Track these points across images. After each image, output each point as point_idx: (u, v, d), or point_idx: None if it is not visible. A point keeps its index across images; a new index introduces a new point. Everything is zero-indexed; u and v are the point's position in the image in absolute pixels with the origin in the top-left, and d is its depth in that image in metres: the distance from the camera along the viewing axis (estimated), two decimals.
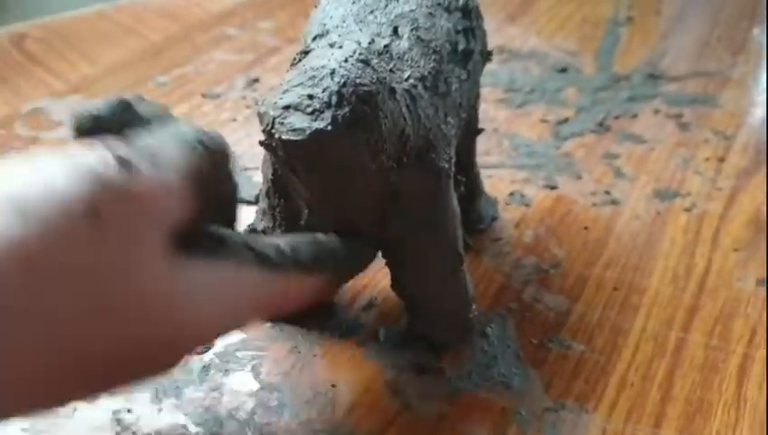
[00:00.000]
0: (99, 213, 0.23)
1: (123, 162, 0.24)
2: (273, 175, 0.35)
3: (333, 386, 0.37)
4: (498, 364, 0.38)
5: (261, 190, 0.38)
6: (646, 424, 0.35)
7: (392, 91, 0.30)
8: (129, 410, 0.35)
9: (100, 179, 0.23)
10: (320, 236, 0.33)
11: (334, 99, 0.28)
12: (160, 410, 0.35)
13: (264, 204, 0.38)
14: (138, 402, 0.35)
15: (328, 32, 0.36)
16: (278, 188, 0.36)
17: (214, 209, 0.29)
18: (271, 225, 0.37)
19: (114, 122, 0.27)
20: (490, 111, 0.60)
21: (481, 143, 0.55)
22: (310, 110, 0.29)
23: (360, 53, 0.30)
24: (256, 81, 0.63)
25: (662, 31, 0.76)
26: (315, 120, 0.29)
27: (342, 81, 0.29)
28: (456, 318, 0.38)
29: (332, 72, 0.29)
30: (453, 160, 0.36)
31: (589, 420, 0.35)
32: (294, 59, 0.34)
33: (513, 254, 0.46)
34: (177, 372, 0.36)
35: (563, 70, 0.67)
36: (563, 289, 0.43)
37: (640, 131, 0.58)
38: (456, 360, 0.38)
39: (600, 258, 0.45)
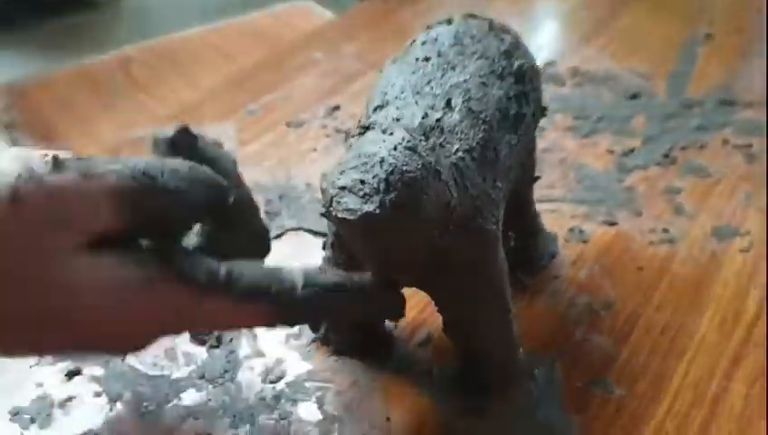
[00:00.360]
0: (19, 196, 0.29)
1: (57, 163, 0.30)
2: (336, 231, 0.39)
3: (388, 420, 0.41)
4: (542, 408, 0.41)
5: (326, 241, 0.42)
6: None
7: (437, 172, 0.34)
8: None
9: (29, 169, 0.29)
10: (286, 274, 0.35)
11: (383, 185, 0.32)
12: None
13: (328, 253, 0.42)
14: (217, 428, 0.40)
15: (388, 102, 0.39)
16: (340, 242, 0.40)
17: (150, 229, 0.33)
18: None
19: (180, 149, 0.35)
20: (559, 141, 0.63)
21: (547, 175, 0.57)
22: (361, 193, 0.33)
23: (408, 141, 0.33)
24: (337, 108, 0.68)
25: (742, 50, 0.76)
26: (366, 202, 0.32)
27: (390, 169, 0.32)
28: (502, 364, 0.41)
29: (382, 161, 0.32)
30: (500, 220, 0.39)
31: None
32: (354, 132, 0.37)
33: (568, 292, 0.48)
34: (252, 400, 0.41)
35: (635, 96, 0.68)
36: (613, 331, 0.45)
37: (706, 163, 0.59)
38: (502, 401, 0.41)
39: (652, 300, 0.47)
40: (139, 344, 0.34)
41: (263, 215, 0.55)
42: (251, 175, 0.59)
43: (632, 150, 0.61)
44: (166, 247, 0.34)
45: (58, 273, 0.30)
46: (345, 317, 0.39)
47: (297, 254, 0.52)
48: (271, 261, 0.47)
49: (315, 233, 0.53)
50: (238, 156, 0.62)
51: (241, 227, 0.39)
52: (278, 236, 0.54)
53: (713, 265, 0.50)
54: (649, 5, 0.86)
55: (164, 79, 0.74)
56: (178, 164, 0.34)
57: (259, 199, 0.56)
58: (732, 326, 0.45)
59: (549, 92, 0.69)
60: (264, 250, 0.40)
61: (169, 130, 0.36)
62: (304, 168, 0.60)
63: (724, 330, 0.45)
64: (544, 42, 0.79)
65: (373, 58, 0.74)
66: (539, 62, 0.73)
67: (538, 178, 0.47)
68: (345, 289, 0.35)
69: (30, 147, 0.31)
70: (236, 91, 0.71)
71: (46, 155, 0.30)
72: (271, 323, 0.35)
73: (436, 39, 0.42)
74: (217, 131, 0.65)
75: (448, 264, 0.37)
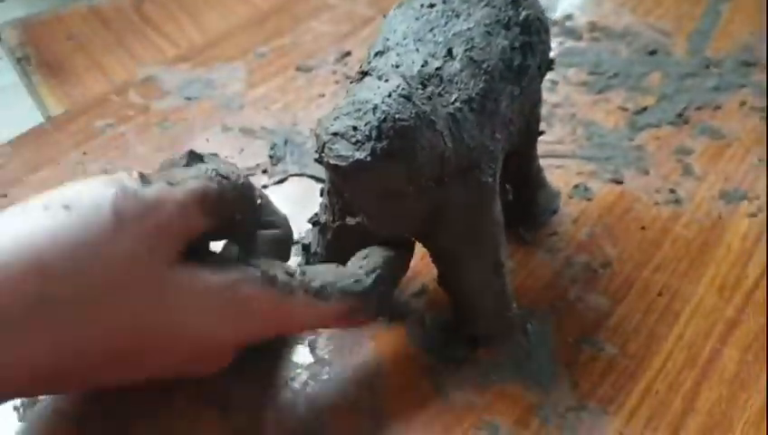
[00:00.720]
0: (119, 211, 0.30)
1: (143, 177, 0.32)
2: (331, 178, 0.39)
3: (378, 366, 0.41)
4: (531, 361, 0.41)
5: (323, 188, 0.42)
6: (663, 433, 0.38)
7: (431, 122, 0.33)
8: None
9: (122, 186, 0.31)
10: (348, 269, 0.37)
11: (374, 133, 0.32)
12: None
13: (325, 200, 0.42)
14: None
15: (388, 48, 0.38)
16: (336, 189, 0.39)
17: (228, 231, 0.36)
18: (331, 219, 0.41)
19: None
20: (570, 96, 0.62)
21: (556, 130, 0.57)
22: (354, 140, 0.32)
23: (402, 89, 0.33)
24: (348, 54, 0.67)
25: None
26: (357, 149, 0.32)
27: (383, 116, 0.32)
28: (495, 317, 0.41)
29: (375, 108, 0.32)
30: (498, 173, 0.39)
31: (607, 422, 0.38)
32: (354, 77, 0.37)
33: (566, 250, 0.48)
34: None
35: (653, 52, 0.67)
36: (608, 290, 0.45)
37: (720, 125, 0.58)
38: (493, 353, 0.41)
39: (652, 261, 0.47)
40: (224, 360, 0.36)
41: (267, 159, 0.55)
42: (257, 118, 0.59)
43: (645, 109, 0.60)
44: (239, 252, 0.37)
45: (162, 288, 0.32)
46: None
47: (300, 199, 0.52)
48: (275, 205, 0.47)
49: (318, 179, 0.53)
50: (246, 98, 0.61)
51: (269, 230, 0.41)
52: (281, 181, 0.54)
53: (717, 228, 0.49)
54: None
55: (176, 18, 0.73)
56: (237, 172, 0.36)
57: (264, 143, 0.56)
58: (731, 291, 0.45)
59: (565, 47, 0.68)
60: (287, 254, 0.42)
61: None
62: (311, 113, 0.59)
63: (723, 295, 0.45)
64: None
65: (387, 3, 0.72)
66: (557, 15, 0.73)
67: (542, 132, 0.46)
68: (392, 267, 0.38)
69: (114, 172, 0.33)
70: (248, 34, 0.70)
71: (131, 171, 0.32)
72: (346, 318, 0.37)
73: None
74: (226, 72, 0.64)
75: (443, 215, 0.37)
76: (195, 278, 0.32)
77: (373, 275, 0.37)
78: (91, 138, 0.56)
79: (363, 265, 0.37)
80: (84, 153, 0.55)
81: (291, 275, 0.35)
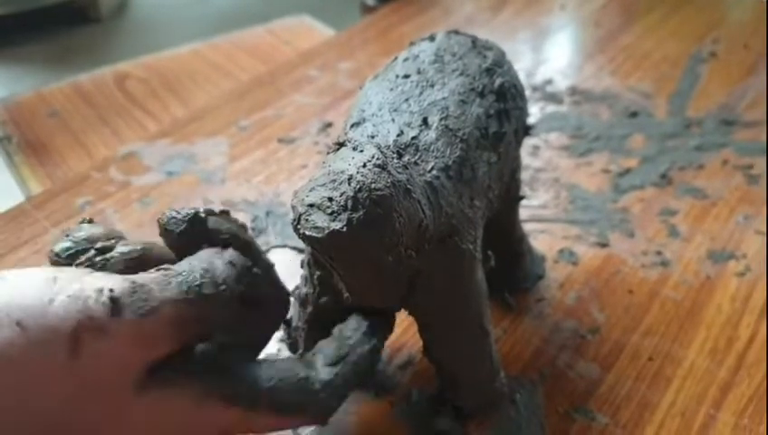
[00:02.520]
0: (79, 340, 0.27)
1: (114, 303, 0.28)
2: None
3: None
4: (522, 433, 0.40)
5: (303, 260, 0.41)
6: None
7: (407, 191, 0.33)
8: None
9: (88, 312, 0.27)
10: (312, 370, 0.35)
11: (350, 203, 0.31)
12: None
13: (305, 272, 0.41)
14: None
15: (364, 119, 0.38)
16: (316, 260, 0.39)
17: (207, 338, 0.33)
18: (311, 291, 0.40)
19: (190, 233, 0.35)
20: (553, 159, 0.62)
21: (539, 195, 0.56)
22: (329, 211, 0.32)
23: (377, 158, 0.32)
24: (329, 125, 0.67)
25: (746, 68, 0.74)
26: (333, 220, 0.31)
27: (358, 186, 0.31)
28: (483, 387, 0.40)
29: (350, 178, 0.32)
30: (479, 240, 0.38)
31: None
32: (330, 148, 0.37)
33: (554, 316, 0.47)
34: None
35: (634, 114, 0.67)
36: (597, 357, 0.44)
37: (704, 185, 0.58)
38: (482, 426, 0.40)
39: (641, 325, 0.46)
40: None
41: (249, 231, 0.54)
42: (239, 191, 0.58)
43: (628, 170, 0.60)
44: (207, 359, 0.33)
45: (118, 419, 0.29)
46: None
47: (282, 271, 0.51)
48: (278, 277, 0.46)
49: (300, 250, 0.53)
50: (228, 172, 0.61)
51: (267, 298, 0.38)
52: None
53: (706, 289, 0.49)
54: (653, 24, 0.85)
55: (159, 95, 0.73)
56: (222, 265, 0.33)
57: (246, 216, 0.56)
58: (723, 354, 0.44)
59: (546, 111, 0.68)
60: (284, 314, 0.40)
61: (179, 218, 0.35)
62: (293, 184, 0.59)
63: (715, 357, 0.44)
64: (545, 59, 0.78)
65: (370, 75, 0.73)
66: (538, 80, 0.73)
67: (522, 197, 0.46)
68: (361, 358, 0.36)
69: (81, 273, 0.30)
70: (230, 108, 0.70)
71: (101, 291, 0.28)
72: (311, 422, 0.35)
73: (417, 56, 0.42)
74: (208, 146, 0.64)
75: (424, 284, 0.36)
76: (155, 405, 0.30)
77: (342, 374, 0.35)
78: (71, 216, 0.56)
79: (330, 356, 0.36)
80: (63, 232, 0.54)
81: (256, 392, 0.33)
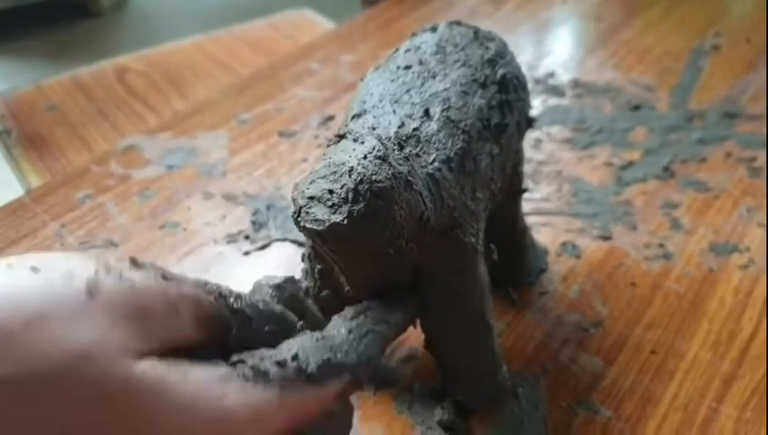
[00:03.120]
0: (94, 287, 0.25)
1: (135, 262, 0.27)
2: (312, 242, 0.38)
3: None
4: (525, 427, 0.39)
5: (303, 253, 0.41)
6: None
7: (408, 183, 0.32)
8: None
9: (107, 265, 0.26)
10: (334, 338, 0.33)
11: (351, 195, 0.31)
12: None
13: (306, 265, 0.41)
14: None
15: (365, 111, 0.38)
16: (317, 253, 0.39)
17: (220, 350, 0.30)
18: (312, 284, 0.40)
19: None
20: (556, 153, 0.61)
21: (542, 188, 0.56)
22: (330, 203, 0.31)
23: (378, 150, 0.32)
24: (331, 118, 0.67)
25: (749, 62, 0.74)
26: (334, 213, 0.31)
27: (359, 178, 0.31)
28: (484, 382, 0.40)
29: (351, 170, 0.31)
30: (481, 233, 0.38)
31: None
32: (331, 140, 0.36)
33: (557, 310, 0.47)
34: None
35: (636, 107, 0.67)
36: (600, 350, 0.44)
37: (706, 177, 0.58)
38: (484, 420, 0.40)
39: (643, 318, 0.46)
40: None
41: (249, 225, 0.54)
42: (239, 185, 0.58)
43: (631, 163, 0.59)
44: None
45: (123, 378, 0.25)
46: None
47: (283, 265, 0.51)
48: (257, 272, 0.46)
49: (301, 244, 0.52)
50: (228, 165, 0.61)
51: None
52: (264, 246, 0.53)
53: (709, 282, 0.48)
54: (656, 18, 0.85)
55: (159, 88, 0.73)
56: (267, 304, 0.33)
57: (246, 209, 0.55)
58: (726, 346, 0.44)
59: (548, 104, 0.68)
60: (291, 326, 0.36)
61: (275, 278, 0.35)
62: (294, 178, 0.59)
63: (718, 350, 0.43)
64: (547, 52, 0.78)
65: (371, 67, 0.73)
66: (540, 73, 0.73)
67: (525, 190, 0.45)
68: (386, 325, 0.34)
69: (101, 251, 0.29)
70: (230, 101, 0.70)
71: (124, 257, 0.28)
72: (347, 392, 0.32)
73: (418, 47, 0.41)
74: (209, 140, 0.64)
75: (426, 277, 0.36)
76: (173, 378, 0.27)
77: (365, 341, 0.33)
78: (70, 209, 0.56)
79: (352, 327, 0.33)
80: (63, 225, 0.54)
81: (282, 364, 0.30)
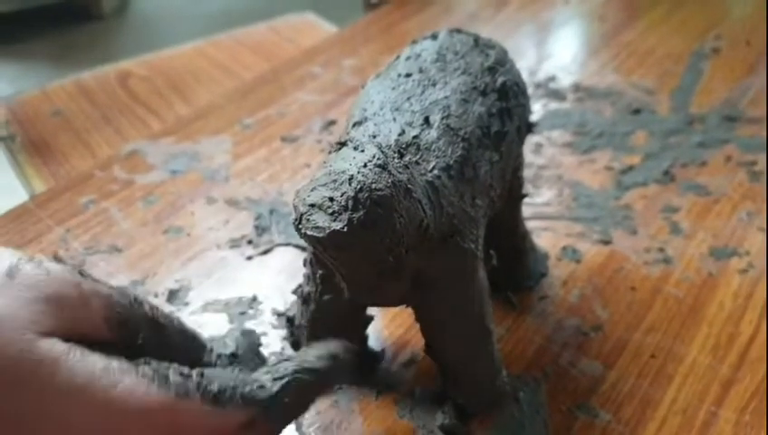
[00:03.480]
0: (14, 270, 0.28)
1: (57, 257, 0.30)
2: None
3: None
4: (525, 432, 0.40)
5: (305, 258, 0.41)
6: None
7: (408, 190, 0.33)
8: None
9: (30, 256, 0.29)
10: (253, 375, 0.32)
11: (351, 203, 0.31)
12: None
13: (308, 270, 0.41)
14: None
15: (366, 119, 0.38)
16: (318, 258, 0.39)
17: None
18: (314, 289, 0.40)
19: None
20: (556, 157, 0.62)
21: (542, 192, 0.56)
22: (330, 211, 0.32)
23: (378, 158, 0.32)
24: (333, 123, 0.67)
25: (749, 64, 0.74)
26: (334, 220, 0.32)
27: (359, 186, 0.31)
28: (485, 386, 0.40)
29: (351, 178, 0.32)
30: (480, 239, 0.38)
31: None
32: (332, 147, 0.37)
33: (557, 314, 0.47)
34: None
35: (637, 111, 0.67)
36: (600, 354, 0.44)
37: (706, 181, 0.58)
38: (485, 424, 0.40)
39: (643, 322, 0.46)
40: None
41: (252, 229, 0.55)
42: (242, 190, 0.59)
43: (631, 167, 0.60)
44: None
45: (23, 350, 0.27)
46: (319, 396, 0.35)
47: (285, 270, 0.51)
48: (259, 276, 0.46)
49: (303, 249, 0.53)
50: (231, 170, 0.61)
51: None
52: (267, 251, 0.53)
53: (708, 286, 0.49)
54: (656, 20, 0.85)
55: (162, 93, 0.74)
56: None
57: (249, 214, 0.56)
58: (725, 350, 0.44)
59: (549, 108, 0.68)
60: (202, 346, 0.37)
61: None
62: (296, 183, 0.59)
63: (717, 354, 0.44)
64: (548, 55, 0.78)
65: (373, 72, 0.73)
66: (541, 77, 0.73)
67: (525, 195, 0.46)
68: (312, 373, 0.33)
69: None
70: (233, 106, 0.70)
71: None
72: (245, 430, 0.31)
73: (419, 55, 0.42)
74: (212, 145, 0.64)
75: (426, 283, 0.36)
76: (73, 359, 0.28)
77: (281, 382, 0.31)
78: (74, 215, 0.56)
79: (272, 370, 0.32)
80: (67, 230, 0.55)
81: (186, 376, 0.30)
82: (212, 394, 0.30)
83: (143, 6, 2.20)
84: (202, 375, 0.30)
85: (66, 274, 0.30)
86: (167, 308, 0.36)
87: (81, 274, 0.30)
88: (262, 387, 0.31)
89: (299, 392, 0.32)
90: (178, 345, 0.34)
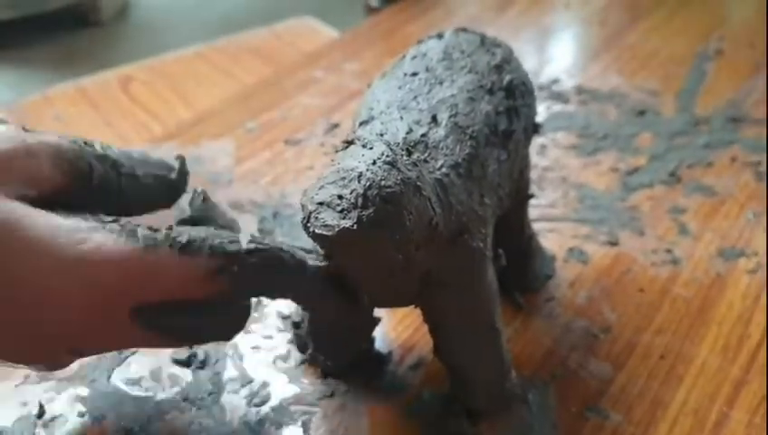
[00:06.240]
0: None
1: (1, 120, 0.31)
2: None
3: None
4: (535, 433, 0.39)
5: None
6: None
7: (417, 188, 0.32)
8: None
9: None
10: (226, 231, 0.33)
11: (360, 200, 0.31)
12: None
13: None
14: None
15: (373, 118, 0.38)
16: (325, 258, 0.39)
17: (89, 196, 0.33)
18: None
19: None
20: (561, 159, 0.61)
21: (548, 194, 0.56)
22: (339, 209, 0.31)
23: (387, 156, 0.32)
24: (336, 126, 0.67)
25: (752, 65, 0.74)
26: (343, 218, 0.31)
27: (368, 184, 0.31)
28: (494, 388, 0.39)
29: (360, 176, 0.31)
30: (489, 238, 0.38)
31: None
32: (338, 147, 0.36)
33: (565, 316, 0.47)
34: (236, 424, 0.40)
35: (642, 113, 0.67)
36: (610, 356, 0.44)
37: (713, 182, 0.58)
38: (494, 427, 0.40)
39: (652, 323, 0.46)
40: (62, 343, 0.31)
41: (256, 232, 0.54)
42: (245, 193, 0.58)
43: (637, 169, 0.59)
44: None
45: None
46: (291, 293, 0.35)
47: None
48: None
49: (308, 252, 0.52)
50: (234, 173, 0.61)
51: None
52: None
53: (717, 286, 0.48)
54: (659, 22, 0.85)
55: (163, 97, 0.73)
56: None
57: (253, 217, 0.55)
58: (734, 351, 0.44)
59: (552, 110, 0.68)
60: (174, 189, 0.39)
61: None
62: (300, 186, 0.59)
63: (727, 355, 0.43)
64: (550, 58, 0.78)
65: (375, 75, 0.73)
66: (543, 79, 0.73)
67: (531, 196, 0.45)
68: (288, 254, 0.34)
69: None
70: (235, 110, 0.70)
71: None
72: (217, 283, 0.31)
73: (425, 54, 0.41)
74: (215, 148, 0.64)
75: (434, 283, 0.36)
76: (36, 218, 0.28)
77: (254, 244, 0.33)
78: None
79: (252, 236, 0.33)
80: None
81: (154, 230, 0.30)
82: (180, 244, 0.30)
83: (143, 13, 2.20)
84: (170, 228, 0.31)
85: (11, 132, 0.31)
86: None
87: (25, 129, 0.31)
88: (234, 242, 0.32)
89: (268, 261, 0.33)
90: (141, 180, 0.36)
